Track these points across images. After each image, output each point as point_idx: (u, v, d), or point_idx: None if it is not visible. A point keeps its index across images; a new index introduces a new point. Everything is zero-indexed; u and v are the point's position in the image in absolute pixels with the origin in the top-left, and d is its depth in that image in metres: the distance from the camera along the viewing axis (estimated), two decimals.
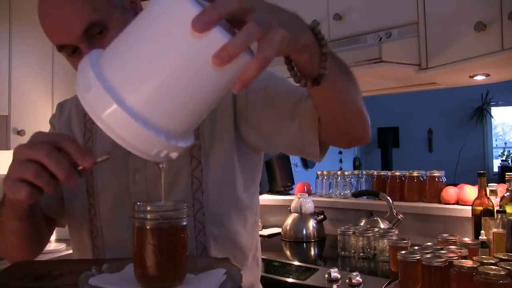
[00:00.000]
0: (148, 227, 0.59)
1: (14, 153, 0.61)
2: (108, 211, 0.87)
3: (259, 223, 2.44)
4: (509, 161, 6.04)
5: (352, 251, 1.76)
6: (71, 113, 0.96)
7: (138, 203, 0.61)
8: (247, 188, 0.91)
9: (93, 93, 0.48)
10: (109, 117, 0.48)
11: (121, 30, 0.71)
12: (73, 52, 0.77)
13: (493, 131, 6.38)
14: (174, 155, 0.52)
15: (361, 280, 1.42)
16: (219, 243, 0.85)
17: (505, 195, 1.56)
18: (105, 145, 0.88)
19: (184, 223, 0.61)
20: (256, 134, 0.86)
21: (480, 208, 1.62)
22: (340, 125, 0.76)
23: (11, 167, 0.61)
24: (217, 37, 0.44)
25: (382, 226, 1.85)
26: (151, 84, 0.47)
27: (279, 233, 2.17)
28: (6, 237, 0.80)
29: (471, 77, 1.76)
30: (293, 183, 2.62)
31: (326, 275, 1.47)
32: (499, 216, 1.51)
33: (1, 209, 0.75)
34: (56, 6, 0.74)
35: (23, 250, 0.84)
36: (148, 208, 0.60)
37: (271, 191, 2.58)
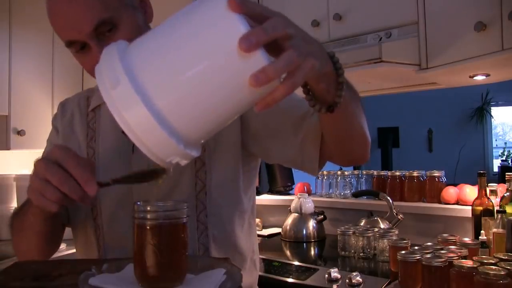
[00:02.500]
0: (148, 227, 0.59)
1: (34, 166, 0.65)
2: (110, 210, 0.87)
3: (259, 223, 2.44)
4: (509, 161, 6.04)
5: (352, 251, 1.76)
6: (73, 112, 0.95)
7: (138, 203, 0.61)
8: (246, 191, 0.92)
9: (120, 90, 0.46)
10: (134, 119, 0.46)
11: (131, 28, 0.72)
12: (81, 49, 0.77)
13: (493, 131, 6.38)
14: (184, 162, 0.51)
15: (361, 280, 1.42)
16: (219, 245, 0.86)
17: (505, 195, 1.56)
18: (108, 144, 0.88)
19: (184, 223, 0.61)
20: (256, 144, 0.87)
21: (480, 208, 1.62)
22: (344, 146, 0.78)
23: (34, 180, 0.64)
24: (260, 59, 0.44)
25: (382, 226, 1.85)
26: (184, 93, 0.46)
27: (279, 233, 2.17)
28: (30, 238, 0.82)
29: (471, 77, 1.75)
30: (293, 183, 2.62)
31: (326, 275, 1.47)
32: (499, 216, 1.51)
33: (28, 209, 0.76)
34: (67, 2, 0.74)
35: (44, 250, 0.87)
36: (148, 208, 0.60)
37: (271, 191, 2.57)
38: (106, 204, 0.87)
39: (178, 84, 0.46)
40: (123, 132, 0.83)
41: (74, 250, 2.14)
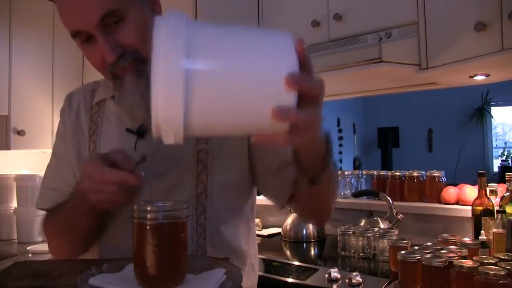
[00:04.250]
0: (148, 227, 0.59)
1: (85, 166, 0.69)
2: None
3: (259, 223, 2.44)
4: (509, 161, 6.03)
5: (352, 251, 1.76)
6: (79, 104, 0.95)
7: (138, 203, 0.61)
8: (247, 196, 0.93)
9: (169, 92, 0.47)
10: (166, 120, 0.48)
11: (138, 22, 0.74)
12: (86, 40, 0.77)
13: (493, 131, 6.38)
14: (165, 139, 0.51)
15: (361, 280, 1.42)
16: (217, 248, 0.86)
17: (505, 195, 1.55)
18: (110, 140, 0.88)
19: (184, 223, 0.61)
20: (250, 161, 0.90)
21: (480, 208, 1.62)
22: (308, 209, 0.89)
23: (88, 179, 0.67)
24: (292, 98, 0.50)
25: (382, 226, 1.85)
26: (219, 90, 0.48)
27: (279, 233, 2.17)
28: (74, 232, 0.81)
29: (471, 77, 1.75)
30: None
31: (326, 275, 1.47)
32: (499, 216, 1.51)
33: (71, 204, 0.77)
34: None
35: (78, 248, 0.86)
36: (148, 208, 0.60)
37: None
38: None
39: (219, 80, 0.48)
40: (127, 129, 0.84)
41: None
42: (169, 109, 0.47)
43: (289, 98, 0.49)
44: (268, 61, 0.50)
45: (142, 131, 0.84)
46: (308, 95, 0.50)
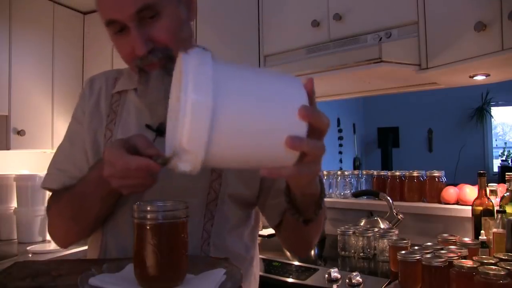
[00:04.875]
0: (148, 227, 0.59)
1: (107, 153, 0.67)
2: (121, 210, 0.85)
3: (259, 223, 2.44)
4: (509, 161, 6.03)
5: (352, 251, 1.76)
6: (100, 90, 0.94)
7: (138, 203, 0.61)
8: (253, 206, 0.93)
9: (194, 126, 0.49)
10: (187, 152, 0.51)
11: (172, 20, 0.76)
12: (119, 31, 0.78)
13: (493, 131, 6.38)
14: (179, 168, 0.54)
15: (361, 280, 1.42)
16: (221, 254, 0.86)
17: (505, 195, 1.55)
18: (128, 132, 0.87)
19: (184, 223, 0.61)
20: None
21: (480, 208, 1.62)
22: (291, 241, 0.92)
23: (111, 166, 0.66)
24: (304, 129, 0.55)
25: (382, 226, 1.85)
26: (241, 121, 0.52)
27: None
28: (83, 216, 0.82)
29: (471, 77, 1.75)
30: None
31: (326, 275, 1.47)
32: (499, 216, 1.51)
33: (84, 189, 0.78)
34: None
35: (84, 231, 0.87)
36: (148, 208, 0.60)
37: None
38: (119, 203, 0.85)
39: (241, 108, 0.53)
40: (147, 125, 0.84)
41: (74, 250, 2.14)
42: (192, 142, 0.50)
43: (301, 129, 0.55)
44: (283, 98, 0.55)
45: (161, 129, 0.84)
46: (316, 126, 0.55)
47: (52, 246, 2.09)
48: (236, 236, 0.89)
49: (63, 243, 0.91)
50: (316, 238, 0.88)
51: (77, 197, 0.80)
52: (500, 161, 6.10)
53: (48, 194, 0.93)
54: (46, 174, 0.93)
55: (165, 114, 0.77)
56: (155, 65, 0.79)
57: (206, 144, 0.50)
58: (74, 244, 0.91)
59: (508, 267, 1.15)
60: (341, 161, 5.78)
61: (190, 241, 0.77)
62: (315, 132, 0.56)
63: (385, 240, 1.66)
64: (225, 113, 0.51)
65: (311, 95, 0.56)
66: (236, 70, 0.56)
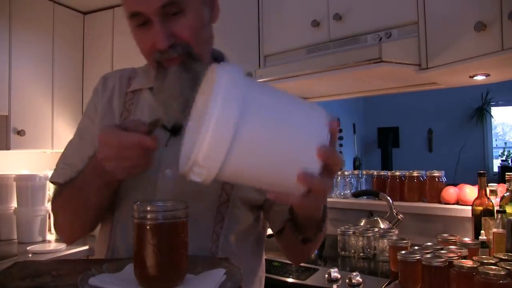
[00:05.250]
0: (148, 227, 0.59)
1: (102, 134, 0.69)
2: (127, 201, 0.84)
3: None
4: (509, 161, 6.03)
5: (352, 251, 1.76)
6: (114, 88, 0.94)
7: (138, 203, 0.61)
8: (261, 211, 0.94)
9: (216, 142, 0.50)
10: (203, 164, 0.52)
11: (195, 19, 0.78)
12: (142, 24, 0.79)
13: (493, 131, 6.37)
14: (192, 176, 0.55)
15: (361, 280, 1.42)
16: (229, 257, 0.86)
17: (505, 195, 1.55)
18: None
19: (184, 223, 0.61)
20: None
21: (480, 208, 1.62)
22: (289, 250, 0.95)
23: (106, 147, 0.68)
24: (318, 167, 0.57)
25: (382, 226, 1.85)
26: (260, 143, 0.54)
27: None
28: (84, 208, 0.81)
29: (471, 77, 1.75)
30: None
31: (326, 275, 1.47)
32: (499, 216, 1.51)
33: (83, 179, 0.77)
34: None
35: (87, 224, 0.86)
36: (148, 208, 0.60)
37: None
38: (128, 203, 0.85)
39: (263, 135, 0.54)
40: (163, 125, 0.84)
41: (74, 250, 2.14)
42: (208, 160, 0.51)
43: (315, 166, 0.57)
44: (306, 133, 0.57)
45: (176, 128, 0.84)
46: (329, 166, 0.58)
47: (52, 246, 2.09)
48: (244, 239, 0.90)
49: (68, 238, 0.91)
50: (312, 253, 0.91)
51: (76, 188, 0.81)
52: (500, 161, 6.10)
53: (49, 193, 0.93)
54: (55, 170, 0.93)
55: (179, 109, 0.80)
56: (174, 60, 0.80)
57: (222, 163, 0.51)
58: (78, 239, 0.91)
59: (508, 267, 1.15)
60: None
61: (200, 242, 0.78)
62: (328, 170, 0.58)
63: (385, 240, 1.66)
64: (246, 137, 0.52)
65: (334, 134, 0.58)
66: (266, 93, 0.57)
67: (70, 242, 0.92)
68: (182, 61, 0.80)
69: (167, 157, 0.84)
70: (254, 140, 0.53)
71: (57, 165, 0.94)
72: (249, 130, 0.52)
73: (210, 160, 0.51)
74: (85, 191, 0.78)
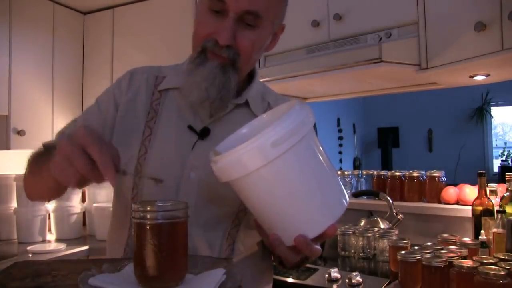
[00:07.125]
0: (148, 227, 0.59)
1: (59, 144, 0.65)
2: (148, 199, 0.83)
3: None
4: (509, 161, 6.03)
5: (352, 251, 1.76)
6: (140, 86, 0.92)
7: (138, 203, 0.61)
8: None
9: (242, 161, 0.57)
10: (221, 174, 0.62)
11: (258, 39, 0.83)
12: (216, 11, 0.79)
13: (493, 131, 6.37)
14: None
15: (361, 280, 1.42)
16: (241, 262, 0.87)
17: (505, 195, 1.55)
18: (169, 132, 0.87)
19: (184, 223, 0.61)
20: None
21: (480, 208, 1.62)
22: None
23: (58, 156, 0.64)
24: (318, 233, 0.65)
25: (382, 226, 1.85)
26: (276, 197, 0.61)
27: None
28: (43, 186, 0.81)
29: (471, 77, 1.75)
30: None
31: (326, 275, 1.47)
32: (499, 216, 1.51)
33: (42, 162, 0.76)
34: None
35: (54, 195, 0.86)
36: (148, 208, 0.60)
37: None
38: (148, 192, 0.85)
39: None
40: (189, 126, 0.86)
41: (74, 250, 2.14)
42: (230, 169, 0.58)
43: (315, 232, 0.63)
44: (321, 204, 0.63)
45: (204, 132, 0.85)
46: (322, 239, 0.66)
47: (52, 246, 2.09)
48: (257, 244, 0.91)
49: (31, 198, 0.90)
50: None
51: (33, 173, 0.83)
52: (500, 161, 6.10)
53: None
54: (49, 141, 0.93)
55: (207, 116, 0.84)
56: (219, 57, 0.80)
57: (237, 180, 0.57)
58: (44, 200, 0.92)
59: (508, 267, 1.15)
60: (341, 161, 5.78)
61: (214, 243, 0.81)
62: (320, 239, 0.66)
63: (385, 240, 1.66)
64: (275, 169, 0.56)
65: (326, 236, 0.65)
66: (315, 149, 0.62)
67: (32, 200, 0.92)
68: (225, 64, 0.81)
69: (192, 160, 0.84)
70: (277, 185, 0.58)
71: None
72: (281, 168, 0.56)
73: (232, 169, 0.57)
74: (36, 181, 0.81)
